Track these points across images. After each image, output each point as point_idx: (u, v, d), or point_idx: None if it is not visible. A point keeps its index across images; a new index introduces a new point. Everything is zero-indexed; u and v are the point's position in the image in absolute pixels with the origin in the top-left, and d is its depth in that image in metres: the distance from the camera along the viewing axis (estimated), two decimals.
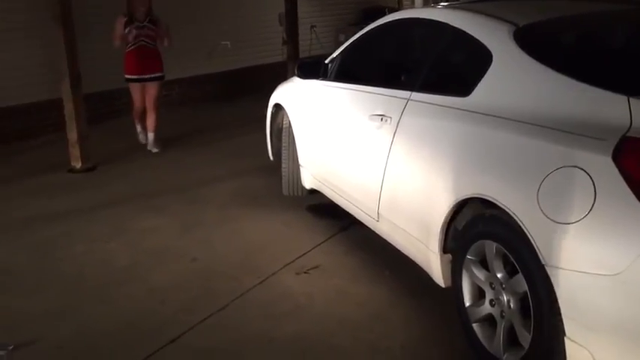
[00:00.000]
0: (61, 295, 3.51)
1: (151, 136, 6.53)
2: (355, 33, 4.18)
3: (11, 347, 2.95)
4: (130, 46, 6.20)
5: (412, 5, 16.38)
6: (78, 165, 5.95)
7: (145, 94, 6.39)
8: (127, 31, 6.11)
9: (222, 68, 9.73)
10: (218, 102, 9.06)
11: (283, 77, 7.74)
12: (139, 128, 6.69)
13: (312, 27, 11.20)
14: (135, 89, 6.39)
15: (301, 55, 9.20)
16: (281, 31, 9.71)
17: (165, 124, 6.85)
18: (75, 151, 5.96)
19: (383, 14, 4.26)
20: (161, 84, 6.50)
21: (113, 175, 5.77)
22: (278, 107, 4.95)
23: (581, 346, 2.16)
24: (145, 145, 6.62)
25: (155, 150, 6.49)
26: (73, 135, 5.93)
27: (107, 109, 7.89)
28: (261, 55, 10.54)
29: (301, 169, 4.61)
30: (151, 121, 6.47)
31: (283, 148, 4.79)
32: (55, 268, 3.86)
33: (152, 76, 6.33)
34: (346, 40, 4.30)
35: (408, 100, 3.19)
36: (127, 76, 6.35)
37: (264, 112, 5.16)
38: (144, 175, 5.77)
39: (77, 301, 3.44)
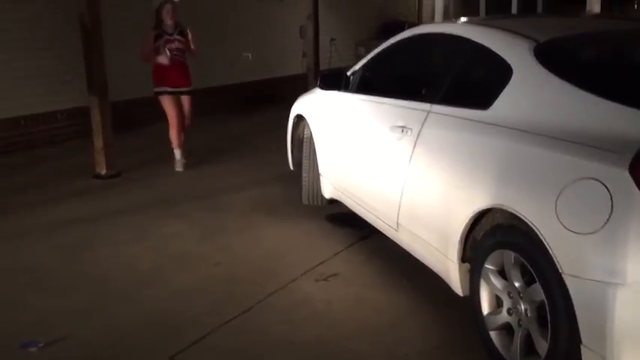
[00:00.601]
0: (87, 295, 3.63)
1: (178, 153, 6.24)
2: (375, 46, 4.28)
3: (42, 344, 3.07)
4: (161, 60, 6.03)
5: (432, 20, 16.54)
6: (103, 172, 6.09)
7: (180, 108, 6.16)
8: (157, 45, 5.96)
9: (243, 79, 9.90)
10: (238, 113, 9.20)
11: (303, 89, 7.84)
12: (177, 154, 6.24)
13: (331, 40, 11.35)
14: (169, 102, 6.08)
15: (321, 67, 9.34)
16: (301, 44, 9.86)
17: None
18: (100, 158, 6.11)
19: (402, 28, 4.36)
20: (192, 98, 6.30)
21: (137, 183, 5.91)
22: (299, 118, 5.06)
23: (596, 353, 2.22)
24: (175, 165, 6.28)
25: (180, 169, 6.25)
26: (99, 142, 6.08)
27: (132, 118, 8.06)
28: (282, 67, 10.70)
29: (321, 178, 4.70)
30: (182, 137, 6.23)
31: (304, 158, 4.89)
32: (81, 269, 3.98)
33: (186, 89, 6.17)
34: (366, 53, 4.41)
35: (429, 112, 3.28)
36: (160, 89, 6.07)
37: (284, 123, 5.28)
38: (166, 182, 5.90)
39: (103, 301, 3.55)
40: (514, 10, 19.77)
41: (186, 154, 6.33)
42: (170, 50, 5.96)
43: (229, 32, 9.55)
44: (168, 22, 6.01)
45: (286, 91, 9.88)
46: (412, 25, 13.08)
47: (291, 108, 5.18)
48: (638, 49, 2.99)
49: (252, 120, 8.93)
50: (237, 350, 3.03)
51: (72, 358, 2.98)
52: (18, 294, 3.66)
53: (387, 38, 4.08)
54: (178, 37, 6.02)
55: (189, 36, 6.14)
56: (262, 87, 10.23)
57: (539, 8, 21.89)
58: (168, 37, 5.98)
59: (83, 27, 5.83)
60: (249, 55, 10.01)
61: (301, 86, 8.69)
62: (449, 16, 17.37)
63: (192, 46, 6.15)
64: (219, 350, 3.03)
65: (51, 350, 3.03)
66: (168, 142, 6.24)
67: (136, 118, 8.19)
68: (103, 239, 4.48)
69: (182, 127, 6.19)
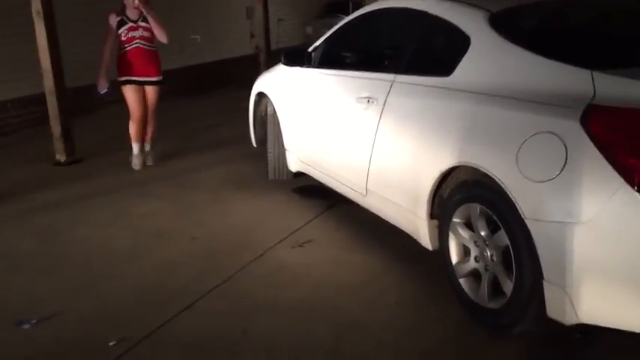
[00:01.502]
0: (73, 274, 3.72)
1: (147, 147, 5.94)
2: (321, 25, 4.50)
3: (34, 321, 3.17)
4: (125, 48, 5.58)
5: None
6: (63, 158, 6.09)
7: (143, 100, 5.71)
8: (120, 32, 5.53)
9: (194, 62, 9.93)
10: (191, 95, 9.25)
11: (253, 70, 8.01)
12: (135, 149, 5.82)
13: (279, 20, 11.46)
14: (131, 93, 5.64)
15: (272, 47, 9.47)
16: (249, 25, 9.96)
17: None
18: (59, 145, 6.10)
19: (347, 7, 4.57)
20: (160, 89, 5.80)
21: (100, 167, 5.94)
22: (261, 96, 5.22)
23: (557, 286, 2.52)
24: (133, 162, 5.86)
25: (151, 163, 5.94)
26: (57, 129, 6.07)
27: (86, 104, 8.02)
28: (230, 48, 10.76)
29: (287, 153, 4.89)
30: (149, 130, 5.88)
31: (269, 134, 5.06)
32: (62, 250, 4.06)
33: (151, 79, 5.69)
34: (313, 32, 4.60)
35: (393, 82, 3.51)
36: (122, 78, 5.64)
37: (239, 103, 5.41)
38: (130, 165, 5.95)
39: (89, 279, 3.65)
40: None
41: (149, 152, 5.96)
42: (132, 39, 5.55)
43: (176, 15, 9.53)
44: (132, 8, 5.57)
45: (236, 72, 10.01)
46: (356, 3, 13.32)
47: (242, 88, 5.31)
48: (583, 13, 3.28)
49: (206, 102, 9.00)
50: (227, 313, 3.21)
51: (68, 332, 3.09)
52: (1, 278, 3.72)
53: (333, 17, 4.29)
54: (143, 23, 5.57)
55: (151, 19, 5.60)
56: (212, 69, 10.28)
57: None
58: (132, 24, 5.57)
59: (36, 12, 5.77)
60: (198, 37, 10.04)
61: (252, 66, 8.83)
62: None
63: (156, 31, 5.63)
64: (211, 313, 3.21)
65: (45, 326, 3.14)
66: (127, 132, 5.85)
67: (91, 104, 8.17)
68: (76, 222, 4.55)
69: (144, 121, 5.79)
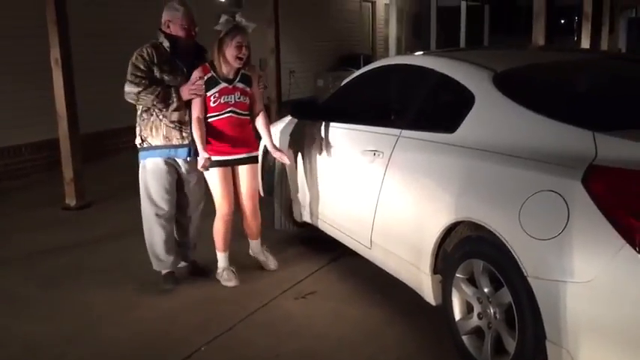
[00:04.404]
0: (74, 320, 3.72)
1: (255, 244, 4.44)
2: (332, 78, 4.57)
3: None
4: (214, 116, 3.98)
5: (386, 52, 17.13)
6: (72, 202, 6.16)
7: (235, 185, 4.17)
8: (210, 95, 3.93)
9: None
10: None
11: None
12: (222, 261, 4.24)
13: (291, 72, 11.70)
14: (219, 178, 4.03)
15: (283, 99, 9.64)
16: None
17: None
18: (70, 189, 6.18)
19: (358, 61, 4.68)
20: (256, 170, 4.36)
21: (109, 212, 5.99)
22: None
23: (560, 346, 2.49)
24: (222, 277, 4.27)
25: (273, 266, 4.42)
26: (68, 173, 6.16)
27: (99, 149, 8.15)
28: None
29: (293, 204, 4.92)
30: (254, 223, 4.34)
31: (276, 185, 5.10)
32: (64, 296, 4.06)
33: (248, 156, 4.12)
34: (324, 84, 4.68)
35: (399, 136, 3.56)
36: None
37: None
38: (138, 212, 5.97)
39: (90, 325, 3.65)
40: (462, 42, 20.69)
41: (261, 251, 4.46)
42: (225, 105, 3.95)
43: None
44: (235, 62, 3.92)
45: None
46: (367, 57, 13.62)
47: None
48: (584, 76, 3.35)
49: None
50: None
51: None
52: (2, 321, 3.72)
53: (344, 70, 4.37)
54: (241, 85, 4.02)
55: (259, 82, 4.16)
56: None
57: (486, 41, 22.88)
58: (225, 85, 3.96)
59: (54, 60, 5.93)
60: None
61: None
62: (401, 48, 18.06)
63: (258, 103, 4.20)
64: None
65: None
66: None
67: (102, 149, 8.31)
68: (81, 267, 4.56)
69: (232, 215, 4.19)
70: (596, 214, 2.37)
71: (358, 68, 4.52)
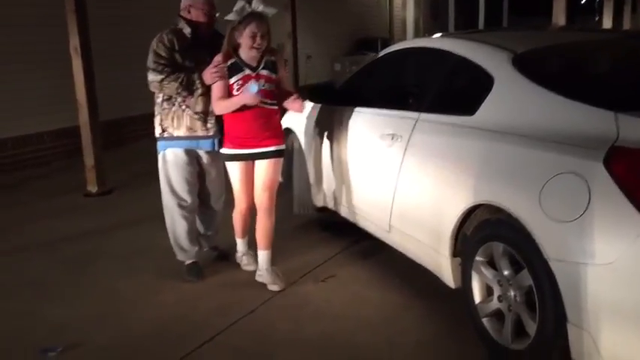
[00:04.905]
0: (97, 303, 3.79)
1: (264, 256, 3.96)
2: (349, 62, 4.55)
3: (60, 349, 3.22)
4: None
5: (403, 35, 16.99)
6: (94, 189, 6.24)
7: (254, 180, 3.91)
8: (233, 82, 3.71)
9: None
10: None
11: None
12: (241, 246, 4.23)
13: (308, 57, 11.66)
14: (239, 172, 3.88)
15: (300, 83, 9.62)
16: None
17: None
18: (91, 176, 6.26)
19: (375, 44, 4.64)
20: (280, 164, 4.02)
21: (129, 199, 6.06)
22: (287, 131, 5.28)
23: (581, 328, 2.48)
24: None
25: (276, 287, 3.90)
26: (89, 160, 6.23)
27: (118, 137, 8.23)
28: None
29: (312, 188, 4.93)
30: (264, 229, 3.94)
31: (294, 170, 5.12)
32: (87, 281, 4.13)
33: (270, 150, 3.84)
34: (342, 69, 4.66)
35: (418, 119, 3.54)
36: (226, 151, 3.87)
37: None
38: (159, 197, 6.03)
39: (113, 308, 3.71)
40: (481, 24, 20.44)
41: (268, 268, 3.98)
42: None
43: None
44: (251, 53, 3.70)
45: None
46: (385, 40, 13.50)
47: None
48: (607, 56, 3.30)
49: None
50: (248, 347, 3.23)
51: None
52: (28, 306, 3.79)
53: (361, 54, 4.35)
54: (265, 72, 3.76)
55: (282, 63, 3.93)
56: None
57: (505, 22, 22.57)
58: (249, 72, 3.73)
59: (74, 48, 5.98)
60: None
61: None
62: (419, 30, 17.89)
63: (286, 87, 3.94)
64: (231, 347, 3.23)
65: (69, 355, 3.19)
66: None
67: (121, 137, 8.39)
68: (103, 253, 4.63)
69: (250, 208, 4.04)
70: (618, 196, 2.34)
71: (375, 52, 4.49)
